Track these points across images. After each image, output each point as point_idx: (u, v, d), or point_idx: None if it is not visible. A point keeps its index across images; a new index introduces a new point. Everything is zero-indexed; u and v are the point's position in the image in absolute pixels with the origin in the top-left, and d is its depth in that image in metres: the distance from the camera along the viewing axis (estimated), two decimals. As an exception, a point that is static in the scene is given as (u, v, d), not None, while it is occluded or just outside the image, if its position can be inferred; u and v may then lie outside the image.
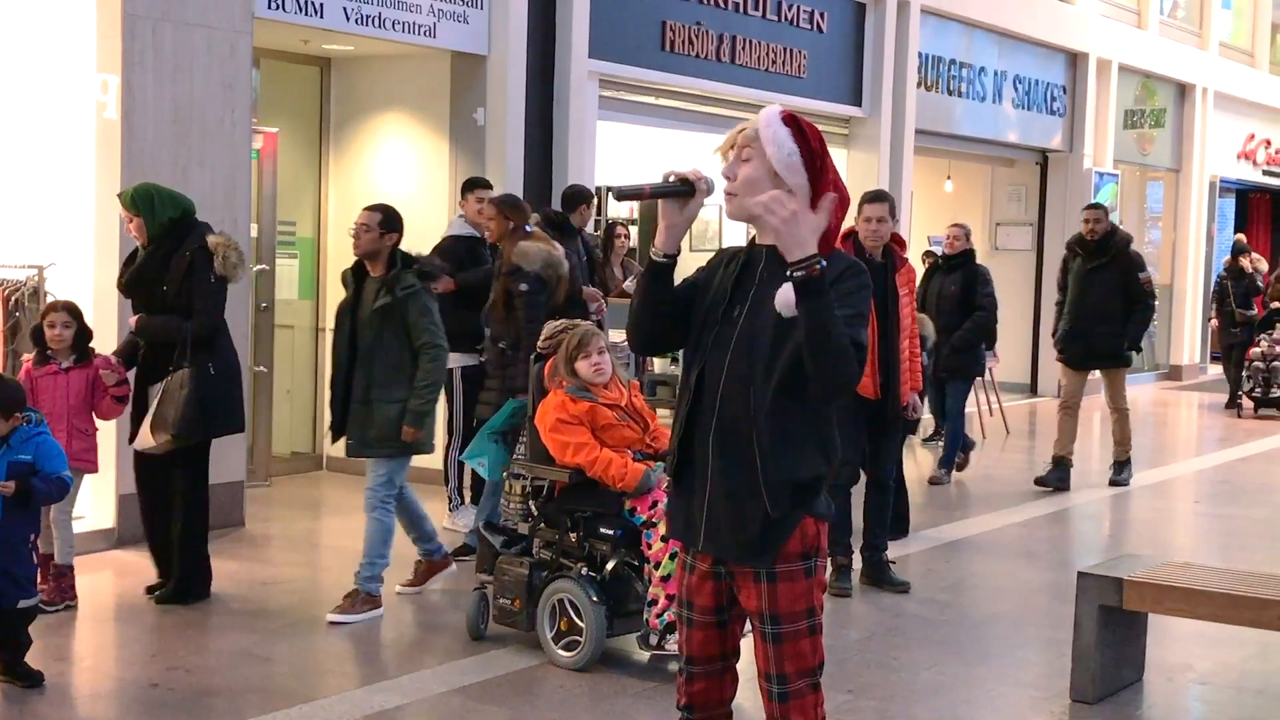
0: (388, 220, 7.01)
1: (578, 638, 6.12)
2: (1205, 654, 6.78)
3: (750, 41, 12.91)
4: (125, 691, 5.84)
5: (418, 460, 8.25)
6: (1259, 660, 6.72)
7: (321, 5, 9.35)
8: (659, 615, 5.91)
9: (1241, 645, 6.78)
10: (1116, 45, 18.93)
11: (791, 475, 3.58)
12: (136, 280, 7.02)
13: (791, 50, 13.43)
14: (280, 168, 10.77)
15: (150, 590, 7.12)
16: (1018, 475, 11.83)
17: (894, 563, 7.93)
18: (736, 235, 14.42)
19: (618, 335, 10.18)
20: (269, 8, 9.01)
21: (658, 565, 5.95)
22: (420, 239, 8.68)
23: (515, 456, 6.65)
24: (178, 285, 6.89)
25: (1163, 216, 21.52)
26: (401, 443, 6.90)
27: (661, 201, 3.65)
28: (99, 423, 7.06)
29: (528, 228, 8.18)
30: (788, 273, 3.45)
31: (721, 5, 12.59)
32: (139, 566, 7.56)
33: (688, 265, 3.70)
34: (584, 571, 6.18)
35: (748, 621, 3.82)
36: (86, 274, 8.14)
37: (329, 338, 7.79)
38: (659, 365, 12.28)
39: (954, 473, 11.46)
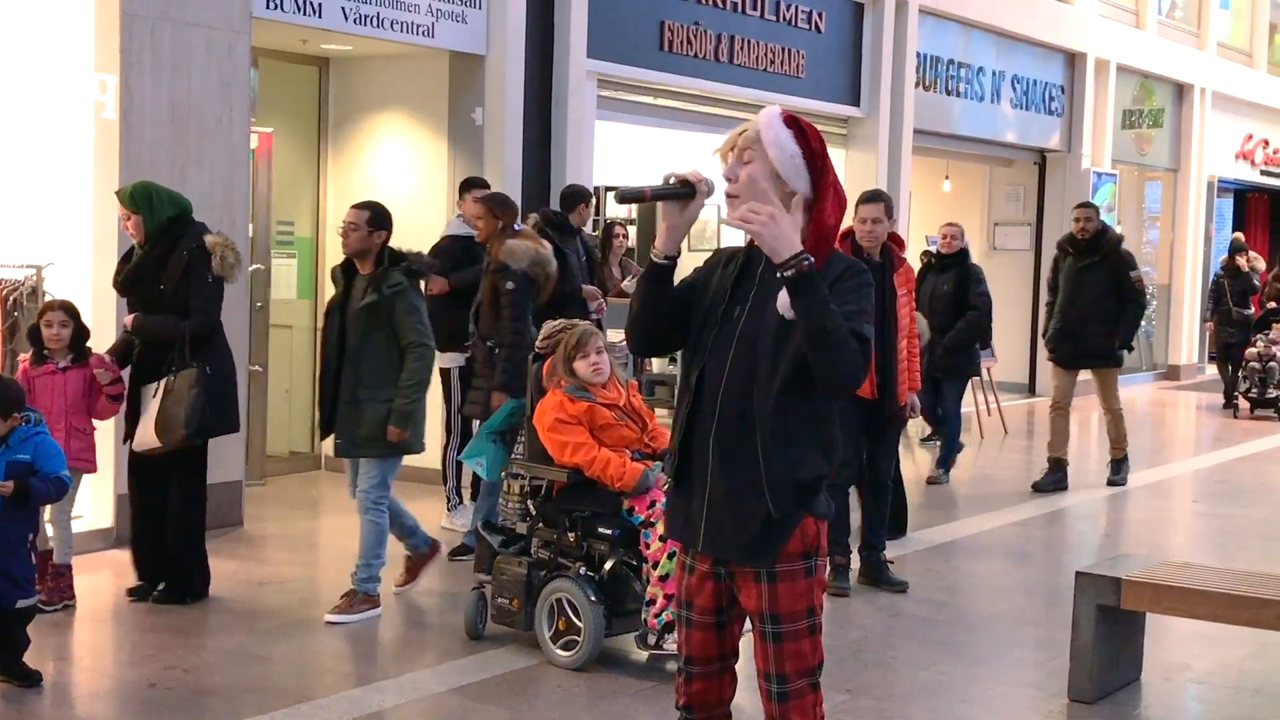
0: (376, 218, 6.98)
1: (576, 637, 6.12)
2: (1203, 653, 6.79)
3: (748, 41, 12.92)
4: (123, 691, 5.84)
5: (416, 460, 8.25)
6: (1257, 660, 6.73)
7: (320, 5, 9.35)
8: (657, 615, 5.92)
9: (1239, 644, 6.78)
10: (1115, 45, 18.93)
11: (794, 475, 3.58)
12: (133, 279, 7.00)
13: (790, 50, 13.44)
14: (279, 167, 10.77)
15: (131, 592, 7.07)
16: (1016, 475, 11.83)
17: (892, 562, 7.94)
18: (734, 235, 14.42)
19: (616, 335, 10.19)
20: (267, 7, 9.00)
21: (656, 565, 5.96)
22: (418, 239, 8.68)
23: (513, 456, 6.66)
24: (175, 284, 6.89)
25: (1161, 216, 21.53)
26: (392, 444, 6.88)
27: (662, 203, 3.65)
28: (96, 422, 7.06)
29: (516, 226, 8.18)
30: (778, 274, 3.46)
31: (720, 5, 12.60)
32: (137, 566, 7.56)
33: (685, 265, 3.70)
34: (582, 571, 6.18)
35: (747, 621, 3.83)
36: (85, 274, 8.14)
37: (325, 337, 7.77)
38: (657, 365, 12.30)
39: (950, 472, 11.46)
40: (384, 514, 6.99)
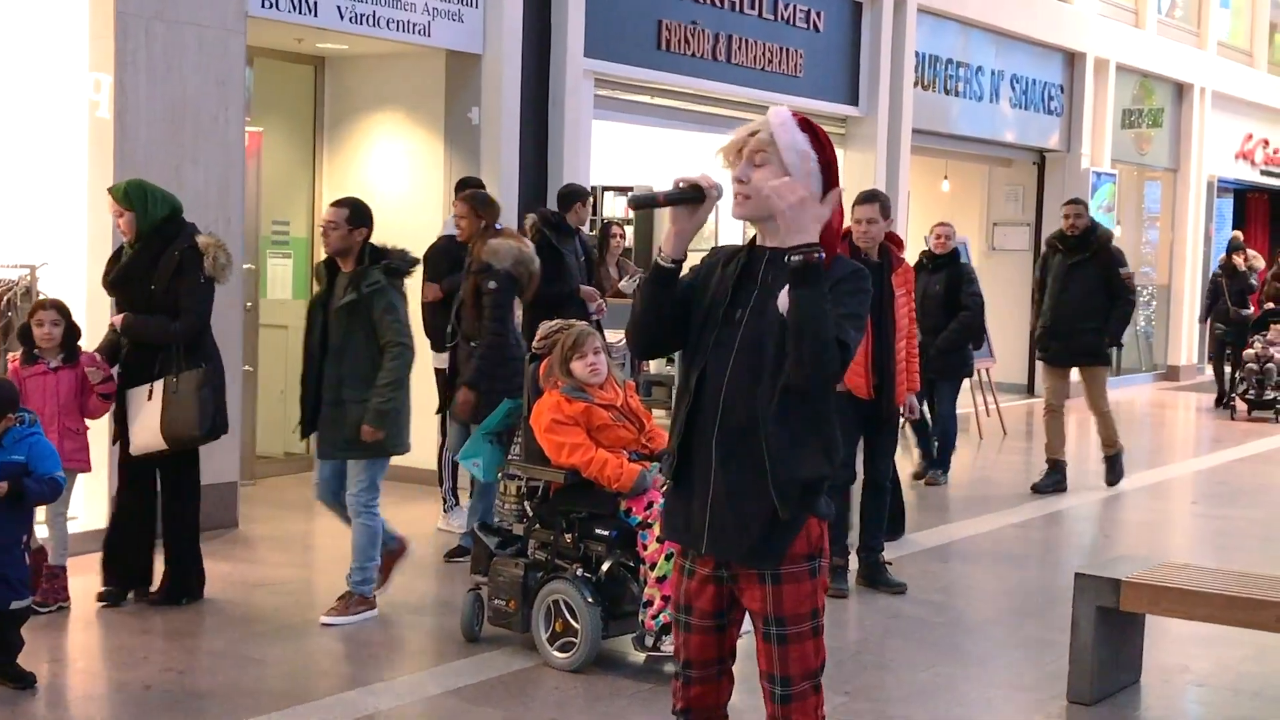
0: (355, 215, 6.91)
1: (573, 639, 6.13)
2: (1202, 655, 6.80)
3: (746, 41, 12.93)
4: (118, 693, 5.84)
5: (412, 461, 8.26)
6: (1256, 661, 6.74)
7: (315, 4, 9.35)
8: (654, 616, 5.92)
9: (1239, 646, 6.79)
10: (1114, 44, 18.95)
11: (797, 475, 3.59)
12: (123, 278, 6.97)
13: (788, 49, 13.45)
14: (273, 167, 10.78)
15: (102, 597, 7.02)
16: (1014, 477, 11.84)
17: (890, 564, 7.94)
18: (733, 234, 14.42)
19: (614, 336, 10.20)
20: (262, 6, 9.01)
21: (653, 566, 5.96)
22: (414, 238, 8.66)
23: (510, 457, 6.66)
24: (166, 284, 6.87)
25: (1160, 216, 21.55)
26: (377, 445, 6.84)
27: (672, 208, 3.65)
28: (89, 422, 7.06)
29: (498, 225, 8.18)
30: (785, 258, 3.47)
31: (717, 4, 12.60)
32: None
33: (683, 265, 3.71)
34: (579, 573, 6.19)
35: (744, 623, 3.83)
36: (79, 273, 8.14)
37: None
38: (655, 366, 12.31)
39: (948, 473, 11.47)
40: (376, 517, 6.98)
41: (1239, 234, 20.21)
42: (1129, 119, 19.84)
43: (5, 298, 7.88)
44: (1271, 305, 17.21)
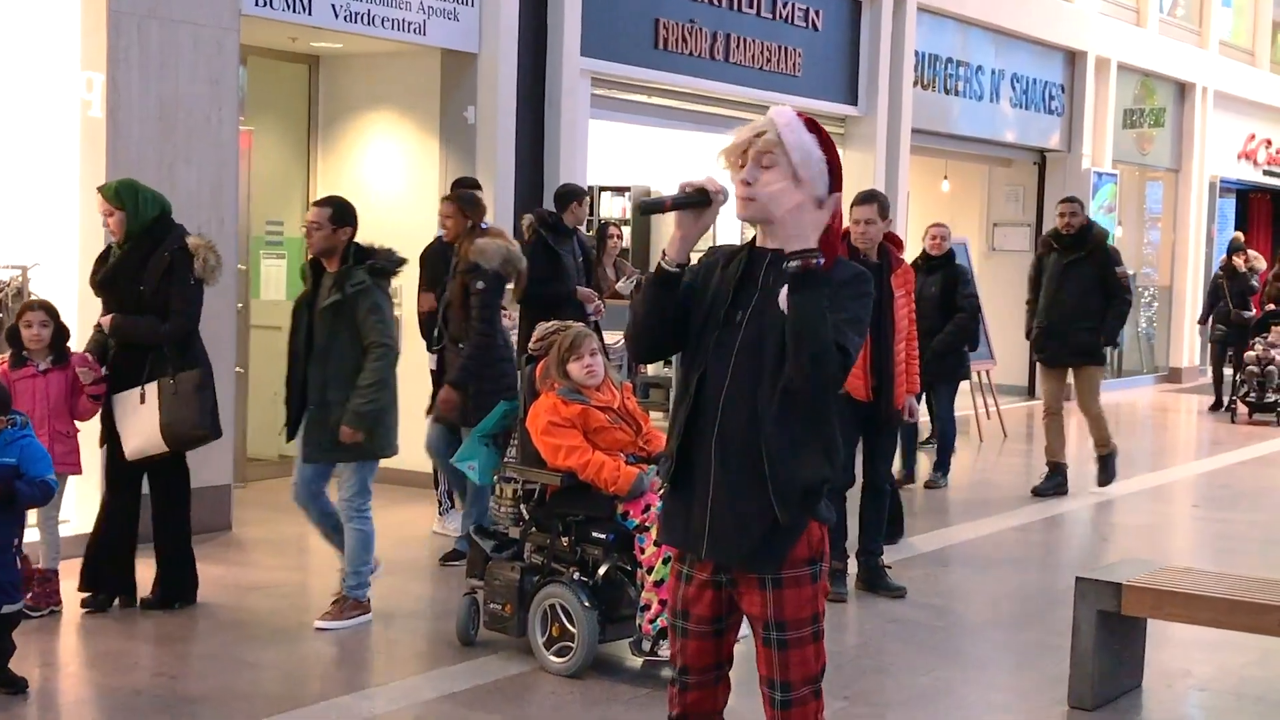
0: (339, 214, 6.87)
1: (569, 643, 6.12)
2: (1205, 660, 6.80)
3: (744, 39, 12.93)
4: (110, 698, 5.84)
5: (408, 464, 8.27)
6: (1259, 666, 6.74)
7: (310, 2, 9.35)
8: (652, 620, 5.92)
9: (1242, 651, 6.80)
10: (1115, 43, 18.96)
11: (799, 479, 3.59)
12: (111, 279, 6.95)
13: (786, 48, 13.45)
14: (266, 167, 10.78)
15: (87, 604, 6.99)
16: (1015, 479, 11.84)
17: (890, 567, 7.94)
18: (731, 234, 14.43)
19: (611, 337, 10.20)
20: (256, 4, 9.00)
21: (650, 570, 5.96)
22: (409, 239, 8.67)
23: (506, 460, 6.66)
24: (155, 285, 6.85)
25: (1162, 217, 21.56)
26: (362, 447, 6.80)
27: (677, 213, 3.65)
28: (79, 424, 7.03)
29: (484, 224, 8.17)
30: (784, 264, 3.47)
31: (715, 3, 12.61)
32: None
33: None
34: (576, 576, 6.18)
35: (741, 628, 3.83)
36: (71, 274, 8.13)
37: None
38: (652, 368, 12.31)
39: (948, 476, 11.47)
40: (369, 520, 6.96)
41: (1240, 235, 20.21)
42: (1130, 119, 19.86)
43: (-4, 299, 7.89)
44: (1273, 307, 17.16)
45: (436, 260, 8.77)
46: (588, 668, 6.12)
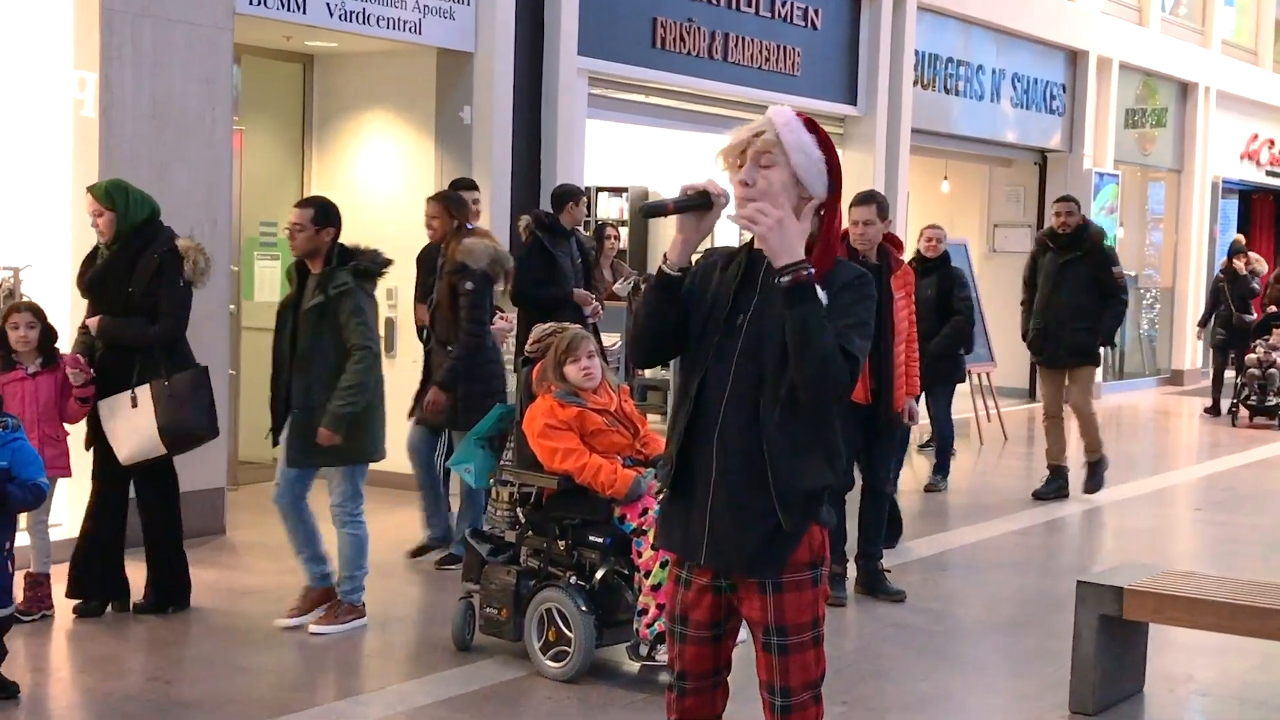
0: (321, 215, 6.83)
1: (566, 648, 6.13)
2: (1207, 665, 6.81)
3: (743, 39, 12.94)
4: (103, 703, 5.84)
5: (403, 467, 8.26)
6: (1261, 671, 6.75)
7: (304, 1, 9.35)
8: (649, 625, 5.92)
9: (1244, 656, 6.80)
10: (1117, 43, 18.98)
11: (801, 484, 3.59)
12: (100, 280, 6.92)
13: (785, 48, 13.46)
14: (261, 167, 10.78)
15: (80, 611, 6.97)
16: (1015, 483, 11.85)
17: (889, 571, 7.95)
18: (729, 236, 14.43)
19: (609, 339, 10.20)
20: (251, 3, 9.00)
21: (648, 574, 5.96)
22: (405, 240, 8.70)
23: (502, 463, 6.66)
24: (144, 287, 6.83)
25: (1164, 218, 21.56)
26: (347, 451, 6.76)
27: (679, 216, 3.65)
28: (68, 427, 7.01)
29: (469, 225, 8.17)
30: (775, 279, 3.47)
31: (713, 2, 12.61)
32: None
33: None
34: (572, 580, 6.19)
35: (740, 633, 3.83)
36: (63, 275, 8.12)
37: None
38: (649, 370, 12.31)
39: (948, 479, 11.47)
40: (362, 525, 6.95)
41: (1241, 238, 20.17)
42: (1132, 119, 19.87)
43: (-12, 300, 7.87)
44: (1274, 309, 17.08)
45: (432, 260, 8.77)
46: (584, 673, 6.12)
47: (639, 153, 16.23)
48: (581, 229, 10.25)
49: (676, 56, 12.28)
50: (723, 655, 3.82)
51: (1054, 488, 11.10)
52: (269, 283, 10.85)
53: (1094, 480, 11.20)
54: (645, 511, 6.05)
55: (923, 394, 10.89)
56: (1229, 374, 17.46)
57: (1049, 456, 11.22)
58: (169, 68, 8.35)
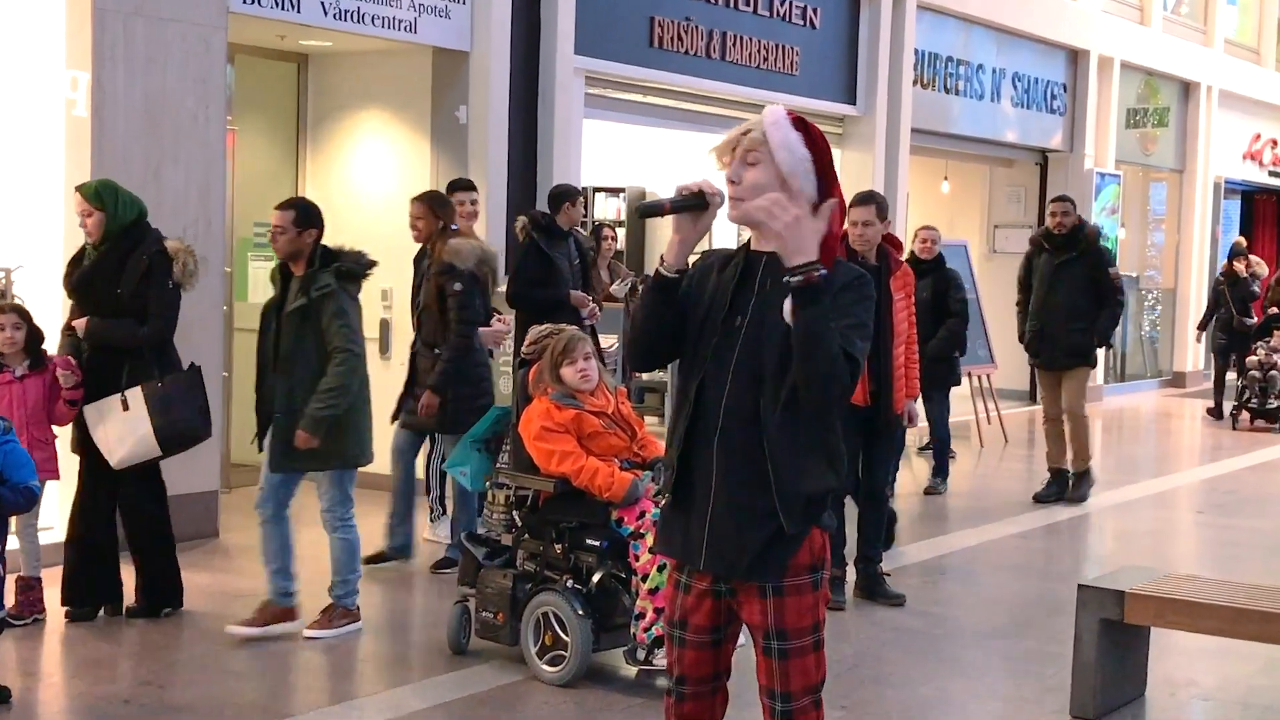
0: (302, 216, 6.78)
1: (563, 652, 6.13)
2: (1209, 669, 6.82)
3: (741, 38, 12.95)
4: (95, 707, 5.83)
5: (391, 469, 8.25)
6: (1264, 675, 6.75)
7: (298, 0, 9.35)
8: (646, 629, 5.93)
9: (1246, 660, 6.81)
10: (1118, 42, 18.99)
11: (803, 488, 3.59)
12: (88, 281, 6.90)
13: (784, 46, 13.47)
14: (255, 167, 10.78)
15: (73, 616, 6.97)
16: (1016, 485, 11.86)
17: (889, 575, 7.96)
18: (727, 237, 14.44)
19: (606, 341, 10.20)
20: (244, 2, 9.01)
21: (645, 578, 5.97)
22: (400, 240, 8.68)
23: (498, 465, 6.66)
24: (133, 289, 6.81)
25: (1166, 219, 21.57)
26: (328, 455, 6.72)
27: (674, 216, 3.65)
28: (55, 430, 6.97)
29: (453, 225, 8.16)
30: (785, 279, 3.47)
31: (711, 0, 12.62)
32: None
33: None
34: (569, 584, 6.19)
35: (740, 637, 3.83)
36: (55, 276, 8.11)
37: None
38: (647, 372, 12.30)
39: (947, 481, 11.48)
40: (353, 529, 6.94)
41: (1242, 239, 20.14)
42: (1134, 118, 19.88)
43: (-21, 302, 7.85)
44: (1276, 310, 17.02)
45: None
46: (581, 677, 6.12)
47: (636, 153, 16.24)
48: (580, 229, 10.23)
49: (674, 56, 12.29)
50: (722, 660, 3.82)
51: (1055, 491, 11.10)
52: (262, 284, 10.82)
53: (1079, 490, 11.11)
54: (643, 515, 6.06)
55: (919, 397, 10.94)
56: (1230, 375, 17.41)
57: (1049, 459, 11.22)
58: (162, 67, 8.36)
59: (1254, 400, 16.45)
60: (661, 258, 3.66)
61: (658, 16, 12.08)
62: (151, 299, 6.85)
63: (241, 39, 9.77)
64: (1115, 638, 6.01)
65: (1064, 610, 6.90)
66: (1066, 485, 11.16)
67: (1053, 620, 7.46)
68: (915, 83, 15.41)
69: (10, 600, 6.67)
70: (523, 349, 6.64)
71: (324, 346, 6.65)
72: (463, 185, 9.12)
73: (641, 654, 5.97)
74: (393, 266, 8.33)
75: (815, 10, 13.85)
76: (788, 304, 3.51)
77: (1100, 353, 11.59)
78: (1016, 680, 6.64)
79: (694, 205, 3.62)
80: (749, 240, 3.75)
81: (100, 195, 6.86)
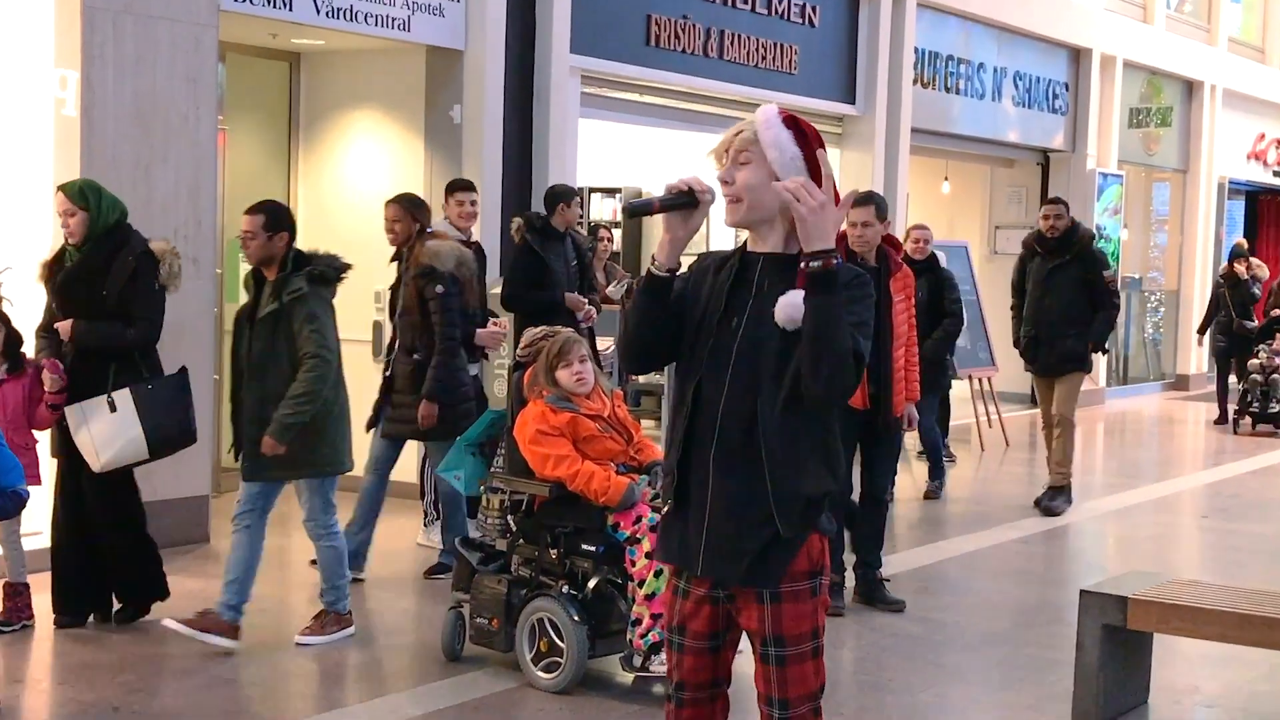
0: (273, 220, 6.71)
1: (558, 659, 6.13)
2: (1213, 676, 6.82)
3: (739, 36, 12.96)
4: (85, 714, 5.83)
5: (394, 474, 8.25)
6: (1268, 682, 6.76)
7: (291, -3, 9.38)
8: (643, 635, 5.93)
9: (1250, 666, 6.82)
10: (1121, 40, 19.01)
11: (801, 491, 3.60)
12: (71, 283, 6.86)
13: (782, 45, 13.48)
14: (246, 167, 10.78)
15: (58, 623, 6.96)
16: (1017, 490, 11.87)
17: (888, 580, 7.96)
18: (725, 238, 14.45)
19: (602, 343, 10.19)
20: (235, 0, 9.01)
21: (641, 583, 5.97)
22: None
23: (493, 469, 6.66)
24: (119, 291, 6.79)
25: (1169, 219, 21.61)
26: (305, 462, 6.68)
27: (665, 215, 3.66)
28: (35, 434, 6.94)
29: (430, 229, 8.15)
30: (802, 264, 3.48)
31: (709, -2, 12.65)
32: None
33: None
34: (565, 590, 6.19)
35: (740, 643, 3.84)
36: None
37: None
38: (643, 375, 12.29)
39: (944, 481, 11.48)
40: (338, 536, 6.93)
41: (1243, 241, 20.14)
42: (1136, 118, 19.91)
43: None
44: (1278, 313, 17.01)
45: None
46: (577, 684, 6.12)
47: (633, 153, 16.25)
48: (578, 230, 10.21)
49: (671, 54, 12.30)
50: (722, 666, 3.83)
51: (1064, 496, 11.08)
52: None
53: (1055, 502, 10.87)
54: (639, 519, 6.06)
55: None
56: (1231, 378, 17.37)
57: (1051, 464, 11.21)
58: (152, 66, 8.36)
59: (1255, 405, 16.37)
60: (653, 257, 3.66)
61: (654, 14, 12.10)
62: (138, 301, 6.82)
63: (232, 37, 9.77)
64: (1118, 644, 6.01)
65: (1065, 616, 6.91)
66: (1069, 489, 11.14)
67: (1054, 626, 7.47)
68: (915, 82, 15.43)
69: (-2, 606, 6.70)
70: (518, 351, 6.65)
71: (296, 352, 6.58)
72: (462, 186, 9.10)
73: (638, 660, 5.98)
74: (386, 268, 8.33)
75: (814, 8, 13.86)
76: (781, 311, 3.52)
77: (1100, 356, 11.54)
78: (1018, 687, 6.65)
79: (683, 204, 3.62)
80: (745, 241, 3.76)
81: (84, 194, 6.83)
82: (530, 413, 6.30)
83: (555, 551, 6.27)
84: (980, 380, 14.52)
